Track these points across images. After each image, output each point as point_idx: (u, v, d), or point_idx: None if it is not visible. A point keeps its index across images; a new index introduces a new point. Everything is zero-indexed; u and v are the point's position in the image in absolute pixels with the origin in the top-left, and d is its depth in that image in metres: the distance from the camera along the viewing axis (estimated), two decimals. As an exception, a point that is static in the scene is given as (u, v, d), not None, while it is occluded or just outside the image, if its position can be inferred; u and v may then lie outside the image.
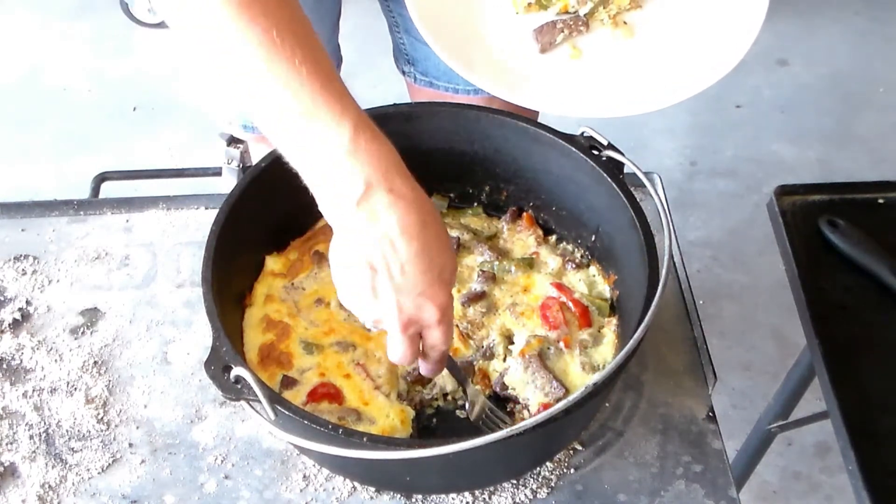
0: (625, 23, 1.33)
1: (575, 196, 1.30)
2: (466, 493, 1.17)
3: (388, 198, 0.93)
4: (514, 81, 1.29)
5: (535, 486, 1.17)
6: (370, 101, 1.32)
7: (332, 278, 1.03)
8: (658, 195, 1.23)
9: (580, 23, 1.32)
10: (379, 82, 3.10)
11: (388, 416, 1.16)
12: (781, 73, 3.43)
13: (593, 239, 1.31)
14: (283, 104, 0.91)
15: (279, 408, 1.01)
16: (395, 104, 1.31)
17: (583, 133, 1.25)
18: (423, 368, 1.08)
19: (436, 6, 1.33)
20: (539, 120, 1.33)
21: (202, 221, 1.46)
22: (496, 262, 1.31)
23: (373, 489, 1.17)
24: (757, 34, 1.28)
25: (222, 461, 1.20)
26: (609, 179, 1.21)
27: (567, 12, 1.35)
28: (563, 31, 1.30)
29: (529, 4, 1.36)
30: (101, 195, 2.02)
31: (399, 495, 1.17)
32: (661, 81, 1.28)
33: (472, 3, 1.37)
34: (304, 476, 1.19)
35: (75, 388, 1.27)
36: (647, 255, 1.14)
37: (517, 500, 1.16)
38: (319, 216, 1.34)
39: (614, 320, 1.25)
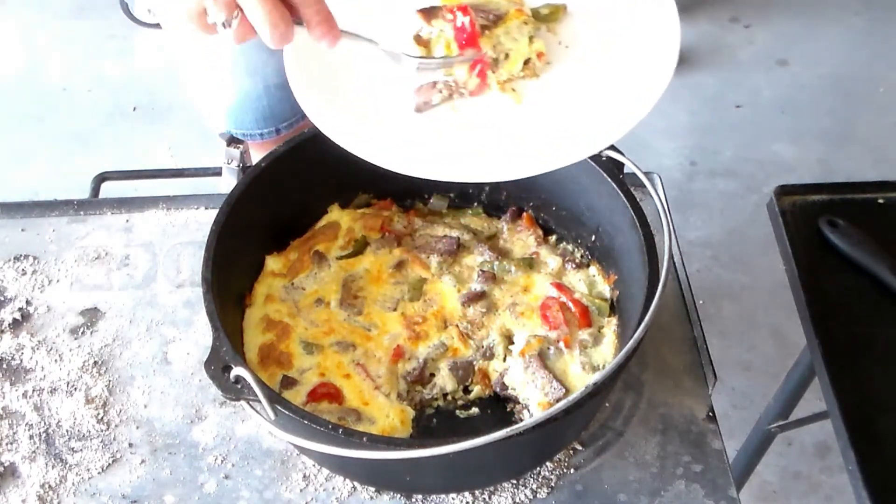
0: (513, 90, 1.21)
1: (575, 196, 1.30)
2: (466, 493, 1.17)
3: None
4: (383, 143, 1.15)
5: (535, 486, 1.17)
6: (370, 101, 1.32)
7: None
8: (658, 195, 1.22)
9: (462, 85, 1.21)
10: (379, 82, 3.10)
11: (388, 416, 1.16)
12: (781, 73, 3.43)
13: (593, 239, 1.31)
14: None
15: (279, 408, 1.01)
16: (395, 104, 1.31)
17: (583, 133, 1.25)
18: (315, 35, 0.99)
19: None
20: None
21: (202, 221, 1.47)
22: (496, 262, 1.31)
23: (373, 489, 1.17)
24: (648, 111, 1.15)
25: (222, 461, 1.20)
26: (609, 179, 1.21)
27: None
28: (440, 92, 1.19)
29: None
30: (101, 195, 2.02)
31: (399, 495, 1.17)
32: (539, 147, 1.17)
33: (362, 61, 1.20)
34: (304, 476, 1.19)
35: (75, 388, 1.27)
36: (647, 255, 1.14)
37: (517, 500, 1.16)
38: (319, 216, 1.36)
39: (614, 320, 1.25)
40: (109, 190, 2.00)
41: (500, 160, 1.15)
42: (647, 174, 1.28)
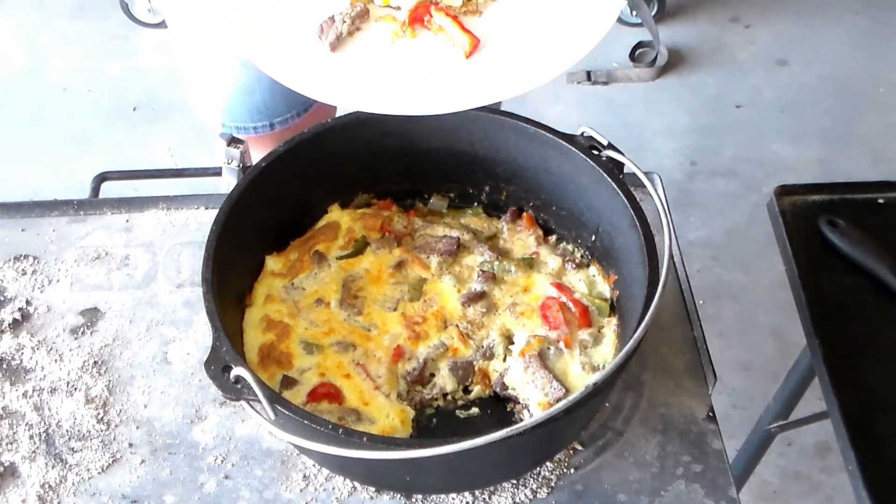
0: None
1: (575, 196, 1.30)
2: (466, 493, 1.17)
3: None
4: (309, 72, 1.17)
5: (535, 486, 1.17)
6: (370, 101, 1.32)
7: None
8: (658, 195, 1.23)
9: (363, 13, 1.21)
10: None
11: (388, 416, 1.16)
12: (781, 73, 3.43)
13: (593, 239, 1.31)
14: None
15: (279, 408, 1.01)
16: (395, 104, 1.31)
17: (583, 133, 1.25)
18: None
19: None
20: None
21: (202, 221, 1.46)
22: (496, 262, 1.31)
23: (373, 489, 1.17)
24: (586, 52, 1.17)
25: (222, 461, 1.20)
26: (609, 179, 1.21)
27: (389, 6, 1.23)
28: (344, 22, 1.18)
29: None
30: (101, 195, 2.02)
31: (399, 495, 1.17)
32: (472, 82, 1.17)
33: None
34: (304, 476, 1.19)
35: (75, 388, 1.27)
36: (647, 255, 1.14)
37: (517, 500, 1.16)
38: (319, 216, 1.36)
39: (614, 320, 1.25)
40: (109, 190, 2.00)
41: (430, 94, 1.15)
42: (647, 174, 1.28)
